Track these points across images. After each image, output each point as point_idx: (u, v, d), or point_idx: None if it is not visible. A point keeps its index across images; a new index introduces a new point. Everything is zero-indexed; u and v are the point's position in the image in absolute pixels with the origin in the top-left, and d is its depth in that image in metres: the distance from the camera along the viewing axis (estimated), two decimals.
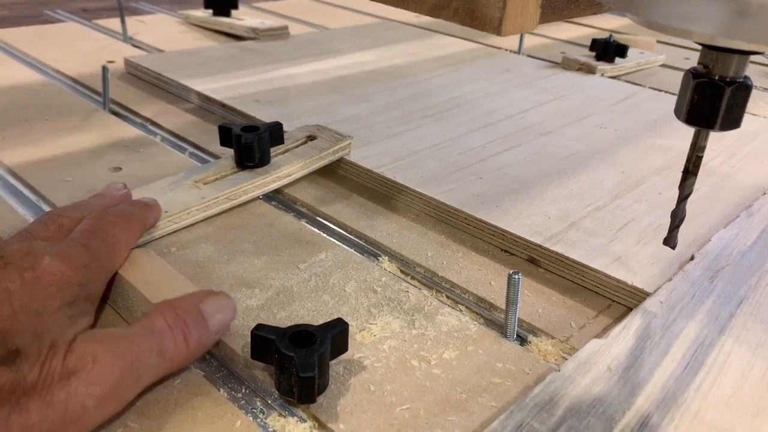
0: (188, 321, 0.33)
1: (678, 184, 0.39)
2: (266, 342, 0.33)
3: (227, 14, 0.98)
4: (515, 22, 0.30)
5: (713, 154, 0.62)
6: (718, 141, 0.65)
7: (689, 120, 0.34)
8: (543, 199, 0.51)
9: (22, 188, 0.52)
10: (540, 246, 0.45)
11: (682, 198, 0.37)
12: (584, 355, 0.34)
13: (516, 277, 0.37)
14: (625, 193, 0.53)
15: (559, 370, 0.33)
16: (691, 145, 0.36)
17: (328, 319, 0.35)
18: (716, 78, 0.33)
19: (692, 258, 0.44)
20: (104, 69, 0.66)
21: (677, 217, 0.38)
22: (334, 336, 0.33)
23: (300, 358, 0.31)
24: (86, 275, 0.32)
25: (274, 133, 0.52)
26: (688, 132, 0.36)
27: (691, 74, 0.34)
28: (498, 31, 0.30)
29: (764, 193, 0.54)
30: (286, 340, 0.32)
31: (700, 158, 0.36)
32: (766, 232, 0.47)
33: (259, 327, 0.33)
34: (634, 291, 0.41)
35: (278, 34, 0.92)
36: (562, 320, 0.40)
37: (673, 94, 0.79)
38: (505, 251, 0.47)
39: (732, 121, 0.34)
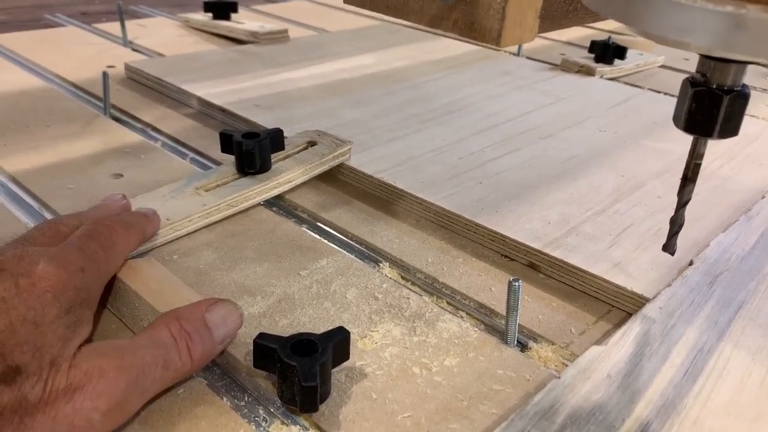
0: (193, 332, 0.33)
1: (677, 189, 0.39)
2: (268, 351, 0.33)
3: (227, 18, 0.98)
4: (514, 34, 0.30)
5: (712, 157, 0.62)
6: (717, 144, 0.65)
7: (687, 128, 0.35)
8: (543, 203, 0.52)
9: (24, 195, 0.52)
10: (540, 251, 0.45)
11: (681, 205, 0.38)
12: (584, 362, 0.34)
13: (516, 284, 0.38)
14: (625, 197, 0.54)
15: (559, 377, 0.33)
16: (689, 152, 0.37)
17: (330, 327, 0.35)
18: (714, 87, 0.33)
19: (691, 263, 0.44)
20: (105, 75, 0.67)
21: (676, 223, 0.38)
22: (336, 344, 0.34)
23: (302, 368, 0.32)
24: (83, 279, 0.32)
25: (275, 139, 0.52)
26: (687, 135, 0.36)
27: (689, 83, 0.34)
28: (497, 42, 0.30)
29: (763, 197, 0.54)
30: (288, 349, 0.33)
31: (698, 165, 0.37)
32: (765, 236, 0.48)
33: (261, 336, 0.34)
34: (633, 297, 0.41)
35: (278, 37, 0.93)
36: (563, 326, 0.41)
37: (673, 95, 0.79)
38: (506, 257, 0.47)
39: (730, 129, 0.34)
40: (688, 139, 0.37)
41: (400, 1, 0.33)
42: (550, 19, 0.35)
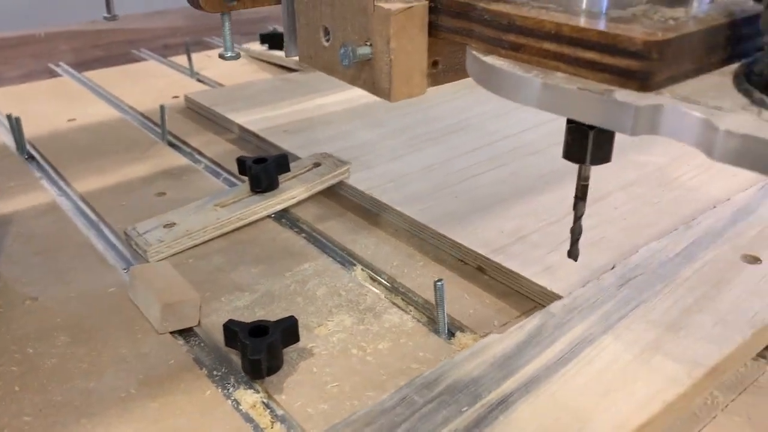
0: None
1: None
2: (233, 333, 0.44)
3: (280, 47, 1.10)
4: (402, 91, 0.39)
5: (687, 168, 0.67)
6: (698, 155, 0.70)
7: (566, 156, 0.42)
8: (505, 215, 0.59)
9: (88, 212, 0.66)
10: (484, 256, 0.53)
11: (577, 218, 0.45)
12: (479, 346, 0.43)
13: (439, 283, 0.46)
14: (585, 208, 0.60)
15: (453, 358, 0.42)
16: (577, 176, 0.44)
17: (298, 316, 0.45)
18: (583, 123, 0.40)
19: (613, 267, 0.50)
20: (161, 107, 0.80)
21: (575, 233, 0.45)
22: (285, 329, 0.44)
23: (252, 345, 0.42)
24: None
25: (280, 162, 0.63)
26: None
27: (567, 119, 0.42)
28: (389, 98, 0.39)
29: (714, 206, 0.59)
30: (245, 331, 0.43)
31: (585, 186, 0.44)
32: (695, 244, 0.53)
33: (230, 322, 0.44)
34: (552, 295, 0.49)
35: None
36: (489, 319, 0.49)
37: None
38: (461, 261, 0.56)
39: (602, 157, 0.41)
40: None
41: (330, 64, 0.43)
42: (453, 71, 0.43)
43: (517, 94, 0.35)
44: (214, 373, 0.45)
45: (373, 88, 0.40)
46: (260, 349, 0.42)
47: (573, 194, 0.63)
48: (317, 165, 0.67)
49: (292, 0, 0.46)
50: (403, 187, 0.65)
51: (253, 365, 0.42)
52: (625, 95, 0.30)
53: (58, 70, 1.12)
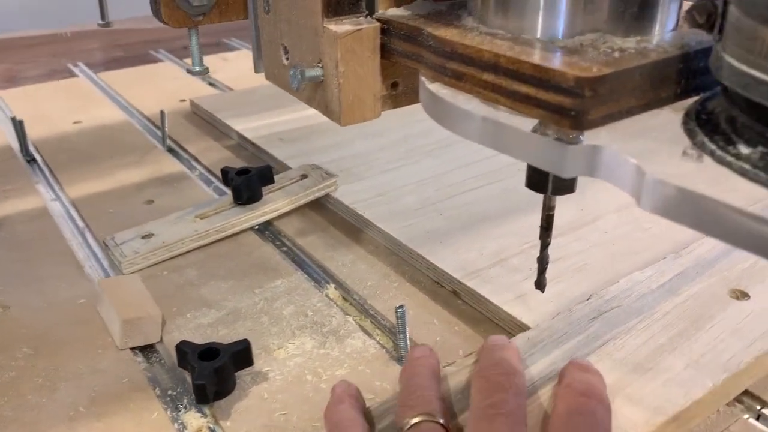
0: None
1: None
2: (185, 354, 0.43)
3: None
4: (354, 114, 0.38)
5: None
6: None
7: (528, 185, 0.40)
8: (488, 235, 0.57)
9: (76, 218, 0.66)
10: (458, 280, 0.52)
11: (543, 247, 0.43)
12: None
13: (400, 310, 0.45)
14: (572, 232, 0.58)
15: None
16: (542, 206, 0.42)
17: (259, 337, 0.44)
18: None
19: (589, 298, 0.48)
20: (162, 113, 0.80)
21: (542, 263, 0.43)
22: (236, 353, 0.43)
23: (199, 369, 0.41)
24: None
25: (264, 174, 0.62)
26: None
27: None
28: (339, 121, 0.38)
29: None
30: (195, 354, 0.42)
31: (551, 216, 0.42)
32: (680, 275, 0.50)
33: (183, 343, 0.44)
34: (521, 325, 0.47)
35: None
36: (454, 348, 0.47)
37: None
38: (437, 283, 0.54)
39: (564, 187, 0.39)
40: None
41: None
42: (414, 93, 0.42)
43: (457, 126, 0.33)
44: (168, 392, 0.44)
45: (326, 110, 0.39)
46: (206, 373, 0.41)
47: (563, 214, 0.61)
48: (304, 177, 0.66)
49: (257, 16, 0.45)
50: (390, 201, 0.63)
51: (199, 389, 0.41)
52: (557, 134, 0.28)
53: (76, 70, 1.14)
